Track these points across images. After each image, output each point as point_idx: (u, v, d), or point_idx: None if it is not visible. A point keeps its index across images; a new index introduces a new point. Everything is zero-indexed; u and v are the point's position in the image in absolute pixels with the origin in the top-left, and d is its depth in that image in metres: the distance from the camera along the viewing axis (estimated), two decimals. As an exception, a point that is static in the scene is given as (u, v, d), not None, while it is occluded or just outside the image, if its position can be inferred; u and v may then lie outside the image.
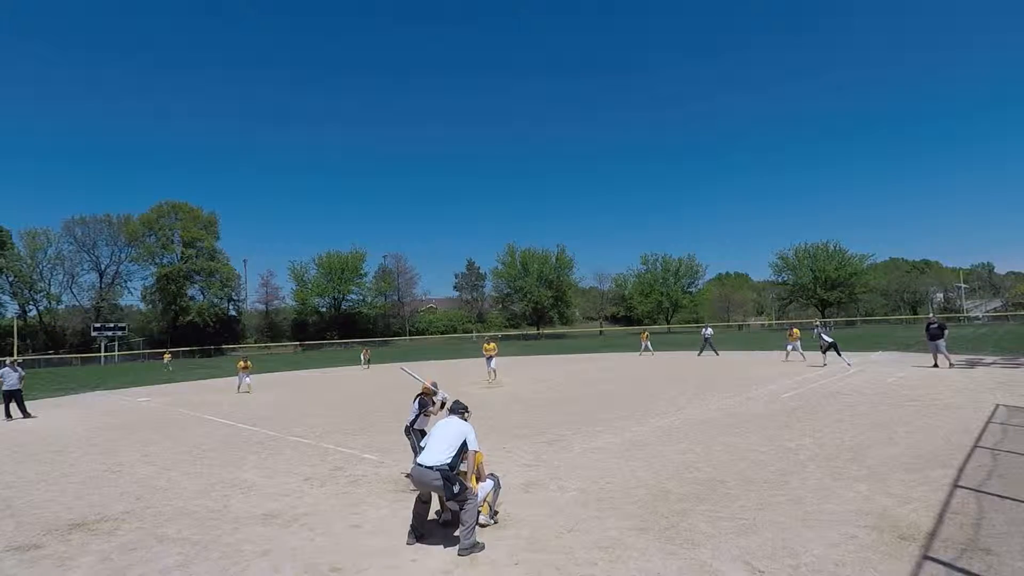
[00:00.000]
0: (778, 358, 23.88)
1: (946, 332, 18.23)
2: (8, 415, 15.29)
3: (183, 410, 16.07)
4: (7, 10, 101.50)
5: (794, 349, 23.13)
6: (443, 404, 6.92)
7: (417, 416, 7.05)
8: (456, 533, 5.03)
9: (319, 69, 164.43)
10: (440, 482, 4.97)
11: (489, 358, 20.68)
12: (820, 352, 20.63)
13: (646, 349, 32.78)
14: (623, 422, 11.01)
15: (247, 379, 20.50)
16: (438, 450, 5.15)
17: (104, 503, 6.90)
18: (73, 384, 27.52)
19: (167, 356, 39.14)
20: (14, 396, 15.53)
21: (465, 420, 5.64)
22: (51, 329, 63.10)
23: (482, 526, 5.34)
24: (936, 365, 17.76)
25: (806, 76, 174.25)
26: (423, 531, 5.24)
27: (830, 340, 20.24)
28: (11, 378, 15.66)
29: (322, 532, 5.54)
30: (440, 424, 5.53)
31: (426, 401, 7.10)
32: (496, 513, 5.68)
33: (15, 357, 19.32)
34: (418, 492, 5.34)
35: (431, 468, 5.02)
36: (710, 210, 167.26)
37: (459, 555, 4.79)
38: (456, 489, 4.97)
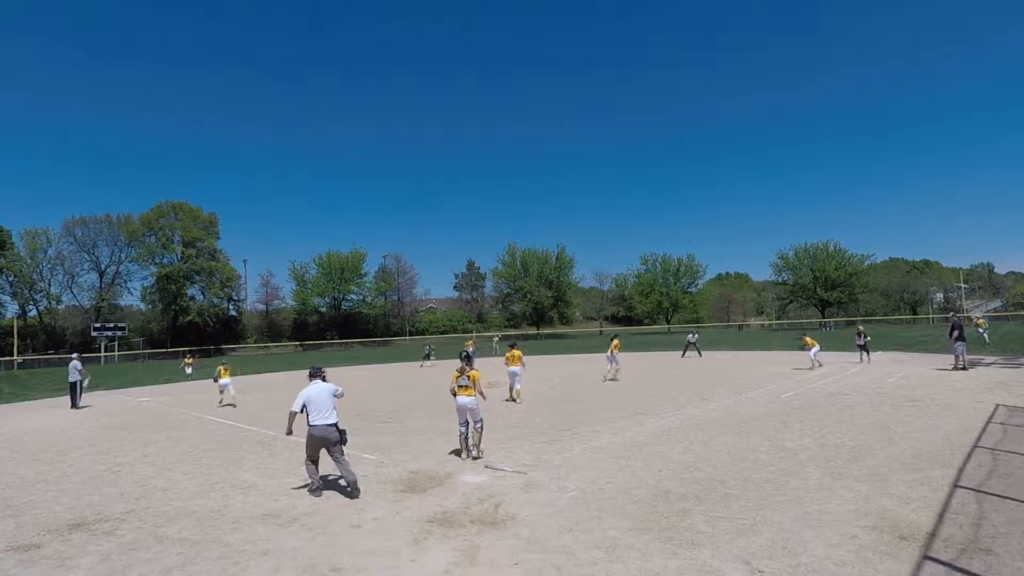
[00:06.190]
0: (776, 358, 23.83)
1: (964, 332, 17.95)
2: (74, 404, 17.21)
3: (183, 410, 16.06)
4: (7, 9, 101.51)
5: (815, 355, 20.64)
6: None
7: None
8: (347, 481, 6.74)
9: (319, 69, 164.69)
10: (337, 434, 6.87)
11: (514, 372, 14.94)
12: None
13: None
14: (623, 422, 11.01)
15: (229, 387, 16.82)
16: (327, 413, 6.87)
17: (104, 503, 6.90)
18: (73, 384, 27.48)
19: (189, 360, 30.82)
20: (71, 388, 17.43)
21: (325, 380, 7.25)
22: (51, 329, 63.05)
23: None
24: (964, 368, 16.83)
25: (806, 76, 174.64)
26: (321, 483, 6.92)
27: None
28: (72, 371, 17.61)
29: (322, 532, 5.54)
30: (314, 391, 6.98)
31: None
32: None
33: (75, 353, 20.29)
34: (310, 453, 6.94)
35: (330, 426, 6.83)
36: (710, 210, 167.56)
37: (356, 497, 6.47)
38: (345, 439, 7.02)
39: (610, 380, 18.72)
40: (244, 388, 21.89)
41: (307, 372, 7.49)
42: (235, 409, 15.62)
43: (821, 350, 20.84)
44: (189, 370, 28.22)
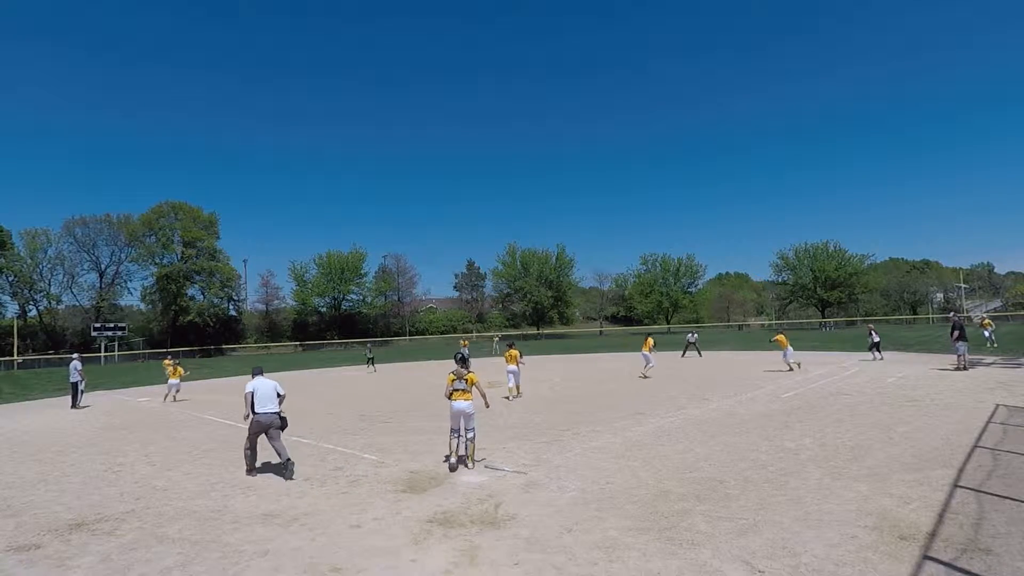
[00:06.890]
0: (776, 358, 23.78)
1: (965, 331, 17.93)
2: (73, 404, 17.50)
3: (183, 410, 16.06)
4: (8, 10, 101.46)
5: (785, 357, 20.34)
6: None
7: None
8: (281, 458, 7.74)
9: (319, 69, 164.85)
10: (279, 421, 7.90)
11: (512, 370, 15.39)
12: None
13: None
14: (623, 422, 11.01)
15: (177, 386, 18.68)
16: (270, 403, 7.93)
17: (104, 503, 6.90)
18: (73, 384, 27.43)
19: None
20: (72, 388, 17.62)
21: (265, 377, 8.27)
22: (51, 329, 63.04)
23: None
24: (965, 368, 16.88)
25: (806, 76, 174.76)
26: (257, 465, 7.96)
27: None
28: (72, 371, 17.78)
29: (322, 532, 5.54)
30: (260, 383, 8.05)
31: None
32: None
33: (75, 353, 20.66)
34: (253, 437, 7.88)
35: (274, 414, 7.88)
36: (710, 210, 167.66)
37: (291, 478, 7.46)
38: (285, 425, 8.04)
39: (643, 377, 19.28)
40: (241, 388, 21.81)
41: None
42: (236, 409, 15.59)
43: (820, 350, 20.86)
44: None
